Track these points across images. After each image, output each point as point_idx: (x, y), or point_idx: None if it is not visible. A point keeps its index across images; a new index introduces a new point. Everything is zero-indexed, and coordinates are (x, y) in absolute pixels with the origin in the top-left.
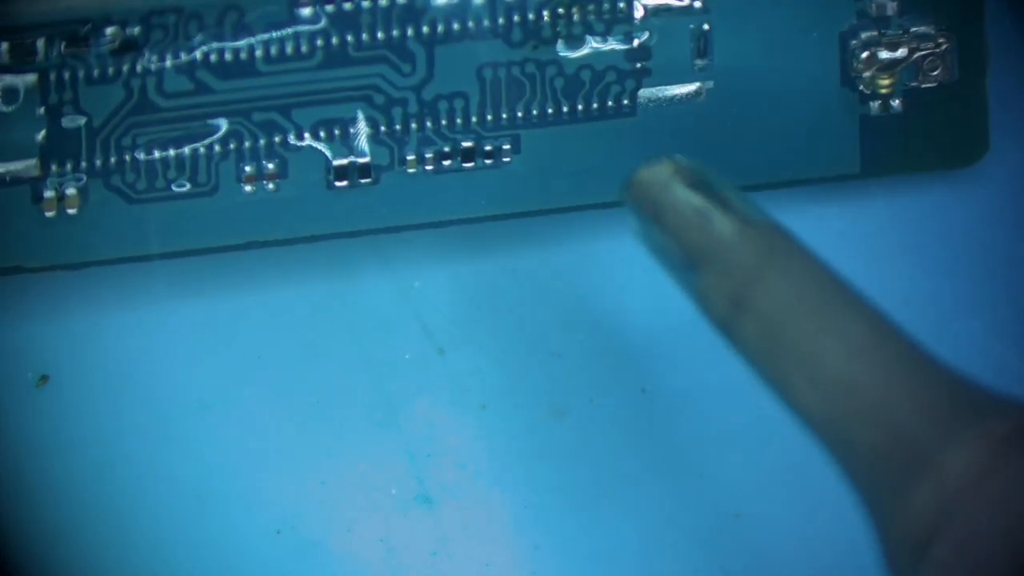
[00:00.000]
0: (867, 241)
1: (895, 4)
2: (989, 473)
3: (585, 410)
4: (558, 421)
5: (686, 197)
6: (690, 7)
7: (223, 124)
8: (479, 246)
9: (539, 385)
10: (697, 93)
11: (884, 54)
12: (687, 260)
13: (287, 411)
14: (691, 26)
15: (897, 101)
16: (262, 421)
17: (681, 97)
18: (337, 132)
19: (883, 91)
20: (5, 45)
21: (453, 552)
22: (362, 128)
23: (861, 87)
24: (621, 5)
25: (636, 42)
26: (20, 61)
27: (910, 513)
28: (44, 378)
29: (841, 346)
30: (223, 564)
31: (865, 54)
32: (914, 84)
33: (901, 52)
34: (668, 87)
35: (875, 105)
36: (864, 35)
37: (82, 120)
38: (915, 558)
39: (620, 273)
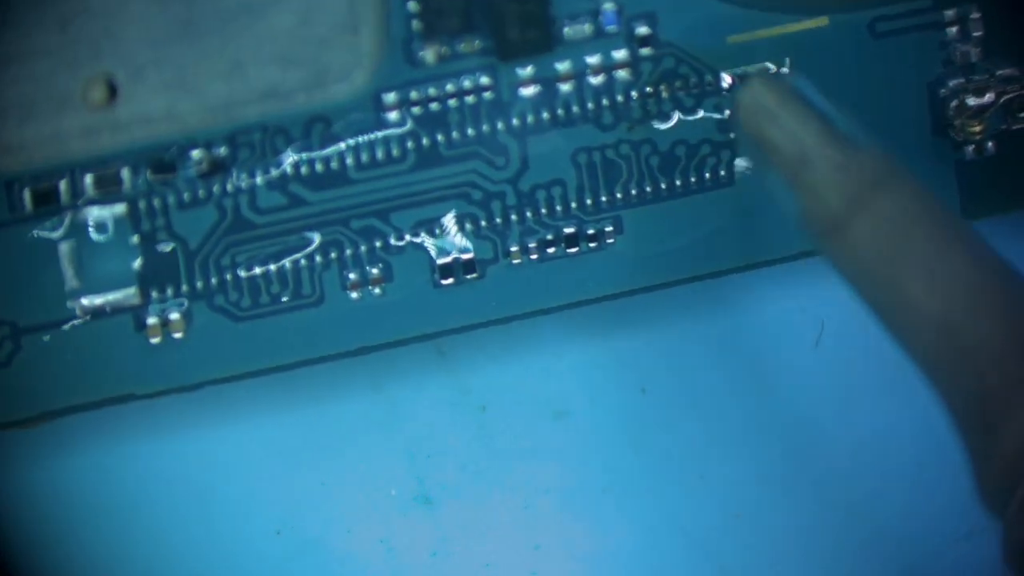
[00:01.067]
0: None
1: (979, 50)
2: None
3: (585, 410)
4: (558, 421)
5: (806, 101)
6: (779, 72)
7: (316, 236)
8: None
9: (539, 385)
10: None
11: (972, 100)
12: (803, 157)
13: (287, 411)
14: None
15: (990, 144)
16: (262, 421)
17: None
18: (438, 231)
19: (975, 137)
20: (89, 178)
21: (453, 552)
22: (452, 227)
23: (952, 135)
24: (708, 78)
25: (727, 112)
26: (106, 192)
27: (1002, 447)
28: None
29: (965, 252)
30: (223, 564)
31: (954, 103)
32: (1004, 127)
33: (988, 97)
34: None
35: (969, 150)
36: (952, 83)
37: (177, 245)
38: (1006, 495)
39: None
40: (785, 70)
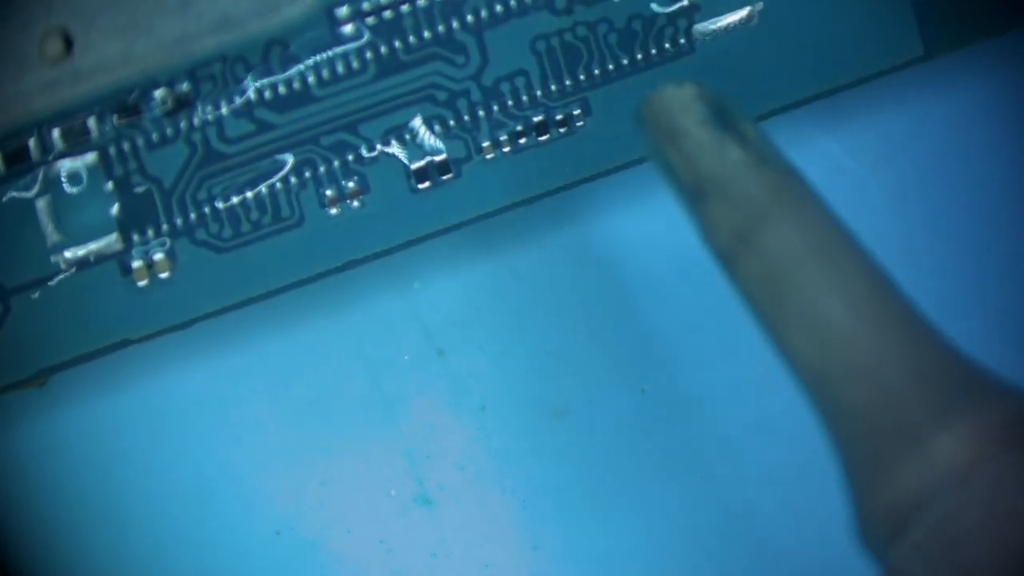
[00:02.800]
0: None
1: None
2: (979, 463)
3: (585, 410)
4: (558, 421)
5: (705, 122)
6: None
7: (288, 158)
8: (479, 245)
9: (539, 385)
10: (749, 17)
11: None
12: (698, 187)
13: (287, 411)
14: None
15: None
16: (262, 421)
17: (735, 24)
18: (408, 137)
19: None
20: (56, 131)
21: (453, 553)
22: (422, 130)
23: None
24: None
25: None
26: (75, 143)
27: (891, 488)
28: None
29: (842, 299)
30: (223, 564)
31: None
32: None
33: None
34: (720, 18)
35: None
36: None
37: (151, 186)
38: (890, 534)
39: (620, 273)
40: None
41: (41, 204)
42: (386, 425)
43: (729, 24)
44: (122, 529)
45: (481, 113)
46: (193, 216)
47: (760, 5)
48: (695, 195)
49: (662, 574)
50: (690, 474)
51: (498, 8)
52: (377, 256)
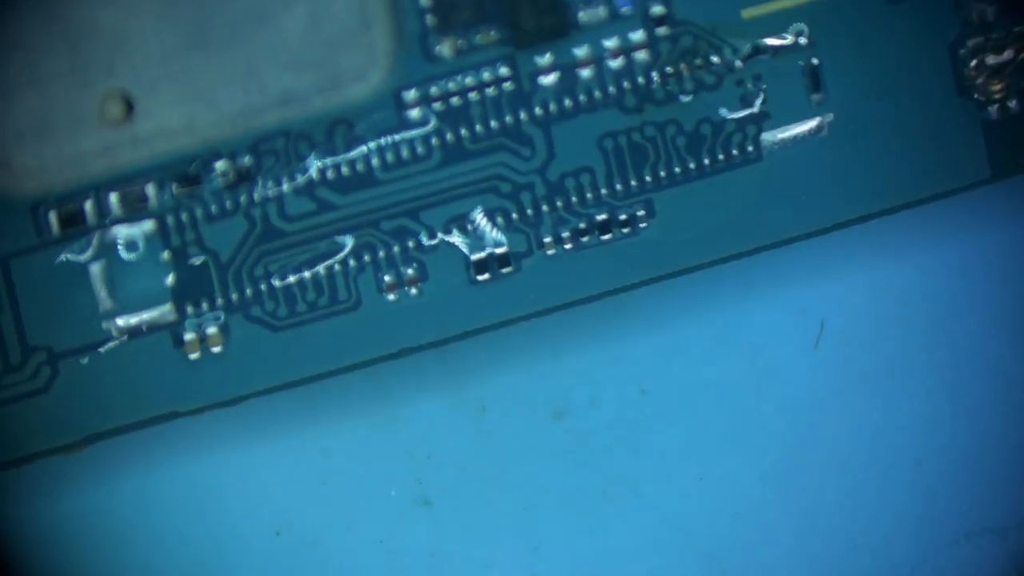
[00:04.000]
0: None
1: (994, 8)
2: None
3: (585, 410)
4: (558, 421)
5: None
6: (796, 44)
7: (348, 240)
8: None
9: (539, 385)
10: (819, 128)
11: (991, 59)
12: None
13: (286, 411)
14: (800, 63)
15: (1013, 102)
16: (261, 421)
17: (804, 135)
18: (470, 227)
19: (997, 95)
20: (114, 196)
21: (453, 553)
22: (482, 222)
23: (976, 95)
24: (728, 53)
25: (750, 87)
26: (133, 209)
27: None
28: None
29: None
30: (223, 564)
31: (974, 62)
32: None
33: (1007, 54)
34: (789, 127)
35: (993, 110)
36: (970, 42)
37: (208, 258)
38: None
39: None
40: (803, 40)
41: (95, 269)
42: (386, 425)
43: (798, 134)
44: (122, 529)
45: (544, 208)
46: (249, 292)
47: (830, 117)
48: None
49: (662, 574)
50: (690, 474)
51: (567, 102)
52: (432, 346)
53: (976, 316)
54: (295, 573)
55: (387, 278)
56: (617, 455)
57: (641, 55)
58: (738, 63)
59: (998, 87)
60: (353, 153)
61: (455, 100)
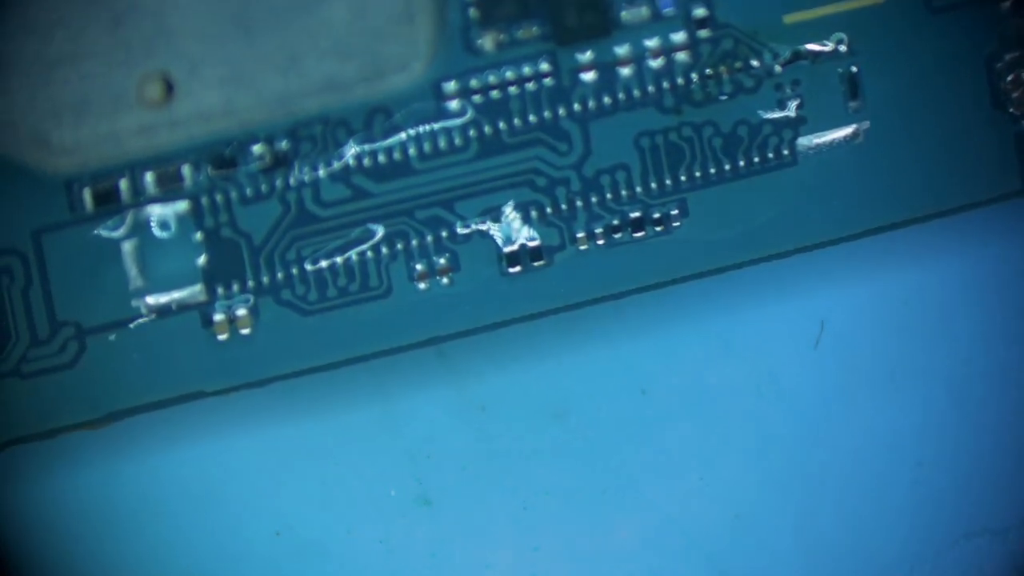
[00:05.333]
0: None
1: None
2: None
3: (585, 411)
4: (558, 421)
5: None
6: (836, 52)
7: (381, 228)
8: None
9: (539, 386)
10: (855, 135)
11: None
12: None
13: (286, 411)
14: (839, 70)
15: None
16: (261, 421)
17: (840, 141)
18: (503, 219)
19: None
20: (150, 175)
21: (453, 553)
22: (512, 216)
23: (1011, 108)
24: (768, 57)
25: (789, 91)
26: (167, 189)
27: None
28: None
29: None
30: (223, 565)
31: (1011, 76)
32: None
33: None
34: (825, 133)
35: None
36: (1008, 56)
37: (241, 241)
38: None
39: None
40: (843, 48)
41: (127, 247)
42: (387, 425)
43: (834, 140)
44: (122, 529)
45: (579, 203)
46: (280, 275)
47: (866, 124)
48: None
49: (662, 574)
50: (690, 474)
51: (606, 99)
52: (461, 336)
53: (977, 318)
54: (295, 573)
55: (419, 267)
56: (617, 456)
57: (681, 56)
58: (777, 68)
59: None
60: (390, 141)
61: (494, 93)
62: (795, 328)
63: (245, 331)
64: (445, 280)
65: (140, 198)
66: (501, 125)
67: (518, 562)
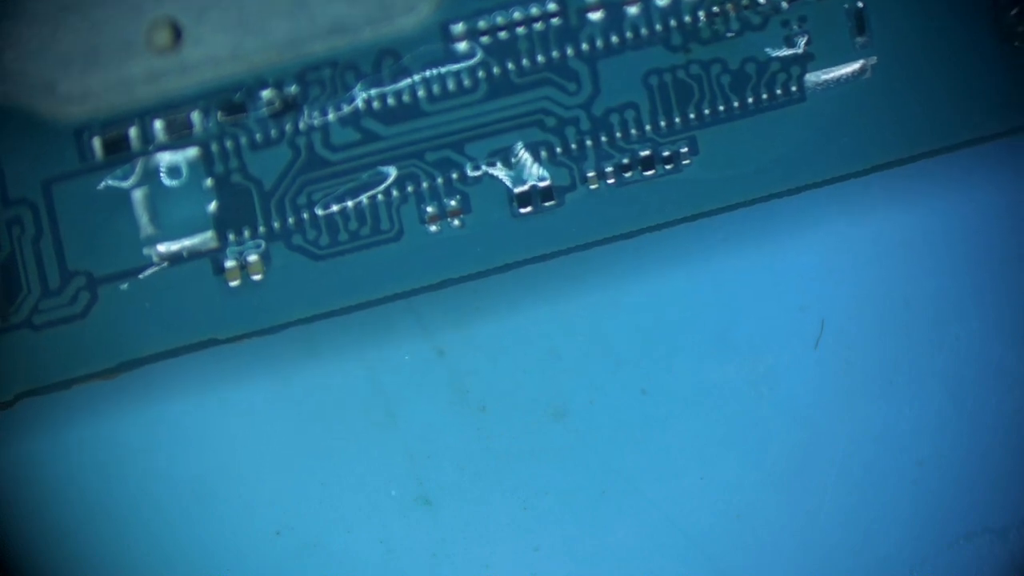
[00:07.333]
0: None
1: None
2: None
3: (585, 410)
4: (558, 421)
5: None
6: None
7: (392, 171)
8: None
9: (539, 386)
10: (862, 70)
11: None
12: None
13: (286, 411)
14: (845, 6)
15: None
16: (262, 421)
17: (847, 76)
18: (513, 161)
19: None
20: (159, 123)
21: (453, 553)
22: (524, 156)
23: (1017, 43)
24: None
25: (796, 28)
26: (177, 136)
27: None
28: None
29: None
30: (223, 565)
31: (1016, 10)
32: None
33: None
34: (833, 68)
35: None
36: None
37: (251, 186)
38: None
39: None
40: None
41: (137, 195)
42: (387, 424)
43: (842, 75)
44: (122, 529)
45: (589, 143)
46: (291, 220)
47: (874, 59)
48: None
49: (662, 574)
50: (690, 474)
51: (614, 39)
52: (472, 278)
53: (977, 316)
54: (295, 573)
55: (430, 209)
56: (617, 455)
57: None
58: (784, 4)
59: None
60: (400, 84)
61: (502, 34)
62: (795, 328)
63: (257, 277)
64: (456, 222)
65: (150, 146)
66: (509, 66)
67: (518, 562)
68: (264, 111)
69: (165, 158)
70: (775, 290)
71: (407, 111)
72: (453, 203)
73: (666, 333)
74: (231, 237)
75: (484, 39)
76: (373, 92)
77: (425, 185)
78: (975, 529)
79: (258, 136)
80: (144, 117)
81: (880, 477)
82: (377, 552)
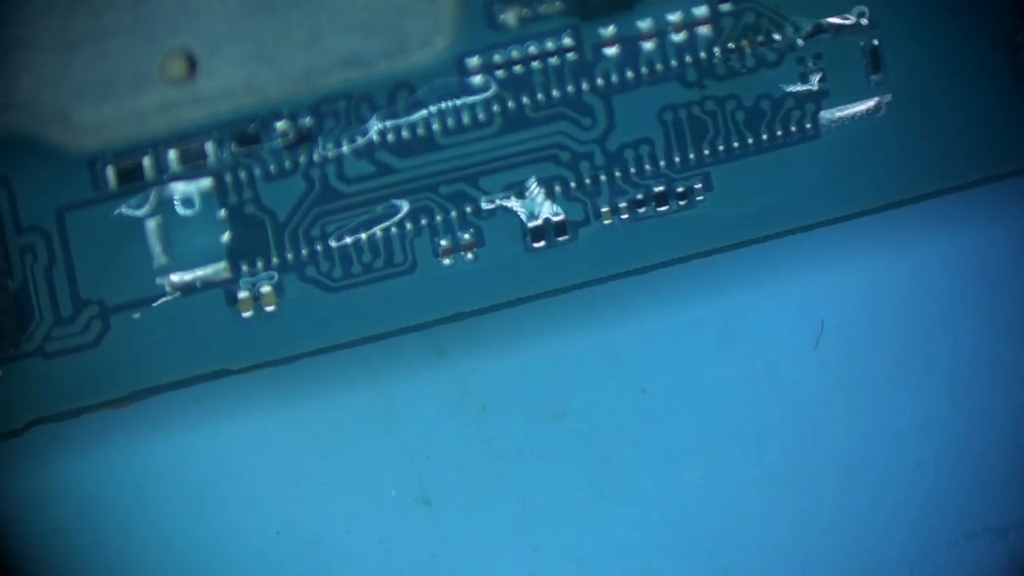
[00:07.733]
0: None
1: None
2: None
3: (585, 410)
4: (558, 421)
5: None
6: (857, 25)
7: (404, 204)
8: None
9: (539, 385)
10: (877, 108)
11: None
12: None
13: (286, 411)
14: (861, 43)
15: None
16: (262, 421)
17: (862, 113)
18: (527, 195)
19: None
20: (173, 153)
21: (453, 553)
22: (536, 191)
23: None
24: (790, 31)
25: (811, 65)
26: (191, 166)
27: None
28: None
29: None
30: (223, 564)
31: None
32: None
33: None
34: (848, 106)
35: None
36: None
37: (265, 217)
38: None
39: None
40: (864, 21)
41: (151, 224)
42: (387, 425)
43: (856, 113)
44: (122, 529)
45: (603, 178)
46: (304, 252)
47: (889, 97)
48: None
49: (662, 574)
50: (690, 474)
51: (629, 74)
52: (485, 312)
53: (977, 316)
54: (295, 573)
55: (443, 242)
56: (617, 455)
57: (704, 30)
58: (799, 41)
59: None
60: (414, 117)
61: (518, 68)
62: (795, 328)
63: (270, 308)
64: (470, 256)
65: (163, 175)
66: (524, 100)
67: (518, 562)
68: (278, 142)
69: (179, 188)
70: (775, 290)
71: (421, 144)
72: (467, 236)
73: (666, 332)
74: (244, 268)
75: (499, 73)
76: (388, 124)
77: (439, 218)
78: (975, 529)
79: (272, 167)
80: (158, 147)
81: (880, 477)
82: (377, 552)
